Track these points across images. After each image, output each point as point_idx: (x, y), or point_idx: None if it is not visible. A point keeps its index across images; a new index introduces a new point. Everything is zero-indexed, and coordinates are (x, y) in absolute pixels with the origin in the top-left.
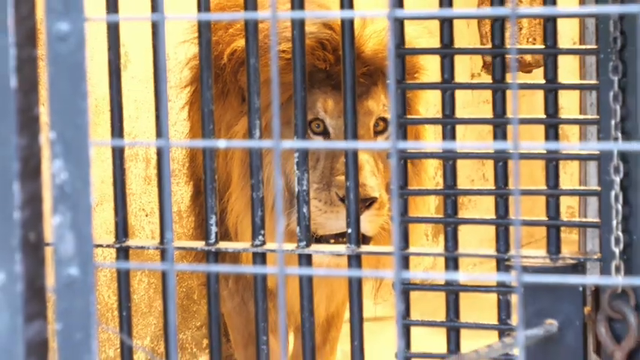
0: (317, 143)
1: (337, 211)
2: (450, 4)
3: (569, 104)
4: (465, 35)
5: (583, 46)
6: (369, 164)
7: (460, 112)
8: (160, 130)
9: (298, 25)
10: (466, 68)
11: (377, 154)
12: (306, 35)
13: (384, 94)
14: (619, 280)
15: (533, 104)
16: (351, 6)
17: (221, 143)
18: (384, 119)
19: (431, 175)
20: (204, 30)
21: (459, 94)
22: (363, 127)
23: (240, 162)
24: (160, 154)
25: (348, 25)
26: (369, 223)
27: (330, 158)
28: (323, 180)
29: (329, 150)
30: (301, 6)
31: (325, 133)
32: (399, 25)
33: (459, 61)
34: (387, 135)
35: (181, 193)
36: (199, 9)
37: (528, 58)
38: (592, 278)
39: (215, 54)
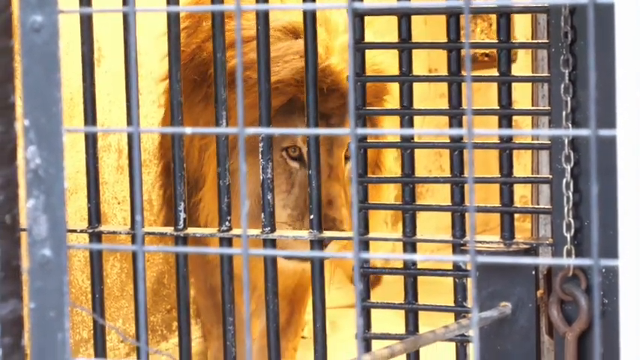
0: (279, 130)
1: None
2: None
3: (521, 98)
4: (423, 31)
5: (535, 41)
6: (340, 198)
7: (418, 106)
8: (131, 118)
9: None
10: (424, 63)
11: (346, 185)
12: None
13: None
14: (570, 260)
15: (488, 98)
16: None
17: (188, 130)
18: None
19: (390, 166)
20: (173, 24)
21: (417, 88)
22: (335, 157)
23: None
24: (131, 140)
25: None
26: (333, 249)
27: (305, 188)
28: (297, 209)
29: (303, 178)
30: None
31: (301, 160)
32: (358, 20)
33: (417, 55)
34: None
35: (152, 181)
36: (168, 2)
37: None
38: (543, 259)
39: (199, 60)
